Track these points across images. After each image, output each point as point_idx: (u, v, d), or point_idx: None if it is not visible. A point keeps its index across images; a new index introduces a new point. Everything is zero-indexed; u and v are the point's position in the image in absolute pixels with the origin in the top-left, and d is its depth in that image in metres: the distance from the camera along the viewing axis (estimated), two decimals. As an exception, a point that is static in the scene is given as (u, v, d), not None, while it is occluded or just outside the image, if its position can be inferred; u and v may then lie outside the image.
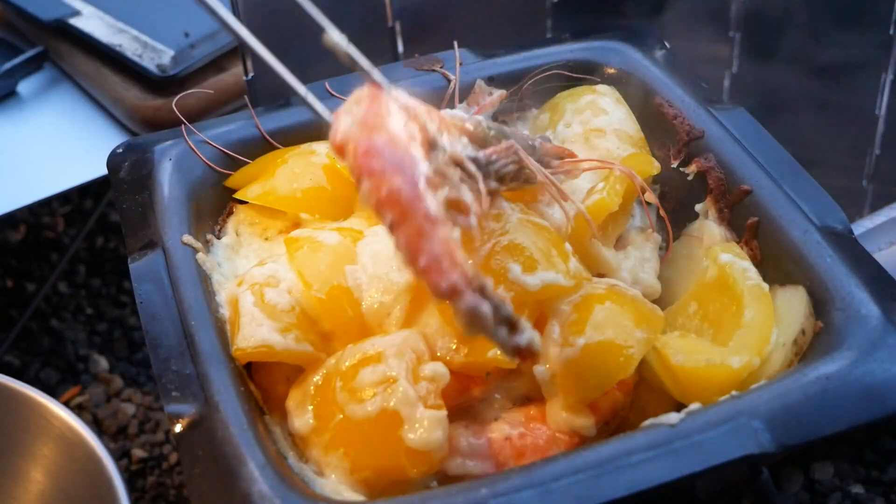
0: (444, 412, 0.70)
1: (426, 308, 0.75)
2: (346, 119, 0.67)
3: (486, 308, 0.62)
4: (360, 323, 0.75)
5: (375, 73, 0.72)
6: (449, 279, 0.62)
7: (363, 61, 0.72)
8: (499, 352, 0.71)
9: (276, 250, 0.83)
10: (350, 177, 0.70)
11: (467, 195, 0.68)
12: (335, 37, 0.71)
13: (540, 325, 0.74)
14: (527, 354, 0.64)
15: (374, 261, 0.78)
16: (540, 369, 0.73)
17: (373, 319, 0.75)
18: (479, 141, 0.75)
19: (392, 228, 0.64)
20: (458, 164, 0.70)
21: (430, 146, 0.68)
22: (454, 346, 0.73)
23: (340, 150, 0.67)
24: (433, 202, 0.64)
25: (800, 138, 0.96)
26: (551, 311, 0.74)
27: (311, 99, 0.76)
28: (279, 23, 1.04)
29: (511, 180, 0.76)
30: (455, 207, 0.67)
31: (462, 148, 0.71)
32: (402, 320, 0.75)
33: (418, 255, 0.63)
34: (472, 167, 0.70)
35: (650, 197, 0.84)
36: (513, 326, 0.64)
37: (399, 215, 0.64)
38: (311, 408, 0.72)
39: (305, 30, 1.04)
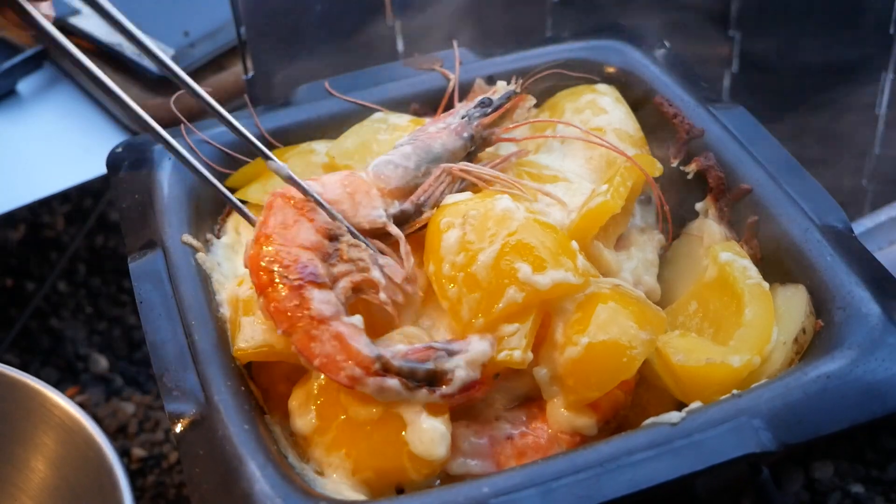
0: (447, 420, 0.70)
1: (436, 310, 0.75)
2: (251, 239, 0.74)
3: (391, 383, 0.68)
4: (367, 324, 0.75)
5: (283, 169, 0.76)
6: (345, 374, 0.68)
7: (297, 180, 0.75)
8: (510, 354, 0.71)
9: (277, 249, 0.83)
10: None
11: (376, 272, 0.73)
12: (275, 166, 0.76)
13: (544, 325, 0.74)
14: (471, 390, 0.70)
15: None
16: (541, 371, 0.73)
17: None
18: (407, 191, 0.79)
19: (287, 335, 0.70)
20: (379, 233, 0.76)
21: (331, 237, 0.73)
22: None
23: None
24: (322, 303, 0.70)
25: (800, 138, 0.96)
26: (556, 310, 0.74)
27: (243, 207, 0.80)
28: (279, 23, 1.04)
29: (458, 191, 0.80)
30: (362, 289, 0.73)
31: (381, 213, 0.76)
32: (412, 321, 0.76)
33: (312, 358, 0.69)
34: (394, 230, 0.76)
35: (652, 187, 0.84)
36: (438, 378, 0.69)
37: (288, 326, 0.70)
38: (314, 408, 0.72)
39: (305, 30, 1.05)
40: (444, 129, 0.83)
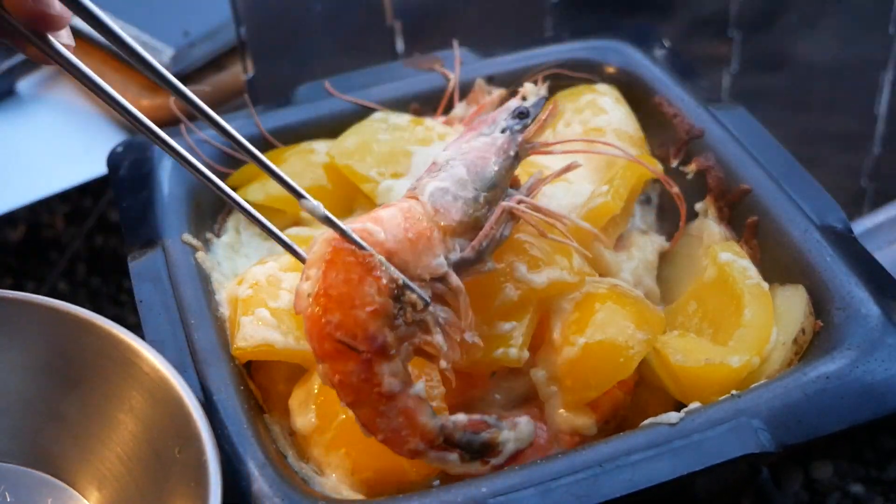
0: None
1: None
2: (304, 286, 0.67)
3: (452, 458, 0.67)
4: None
5: (340, 227, 0.66)
6: (408, 447, 0.67)
7: (337, 222, 0.66)
8: (506, 351, 0.71)
9: (277, 249, 0.83)
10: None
11: (438, 337, 0.68)
12: (309, 205, 0.66)
13: (542, 326, 0.74)
14: (517, 458, 0.68)
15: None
16: (538, 373, 0.73)
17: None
18: (471, 224, 0.72)
19: (350, 407, 0.66)
20: (442, 279, 0.69)
21: (394, 296, 0.66)
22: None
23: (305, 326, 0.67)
24: (391, 377, 0.65)
25: (800, 138, 0.96)
26: (553, 308, 0.74)
27: (288, 240, 0.71)
28: (279, 23, 1.04)
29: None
30: (422, 352, 0.68)
31: (442, 261, 0.69)
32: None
33: (376, 432, 0.67)
34: (454, 281, 0.69)
35: (670, 187, 0.83)
36: (491, 448, 0.68)
37: (354, 400, 0.66)
38: (313, 407, 0.72)
39: (305, 30, 1.05)
40: (490, 146, 0.75)
